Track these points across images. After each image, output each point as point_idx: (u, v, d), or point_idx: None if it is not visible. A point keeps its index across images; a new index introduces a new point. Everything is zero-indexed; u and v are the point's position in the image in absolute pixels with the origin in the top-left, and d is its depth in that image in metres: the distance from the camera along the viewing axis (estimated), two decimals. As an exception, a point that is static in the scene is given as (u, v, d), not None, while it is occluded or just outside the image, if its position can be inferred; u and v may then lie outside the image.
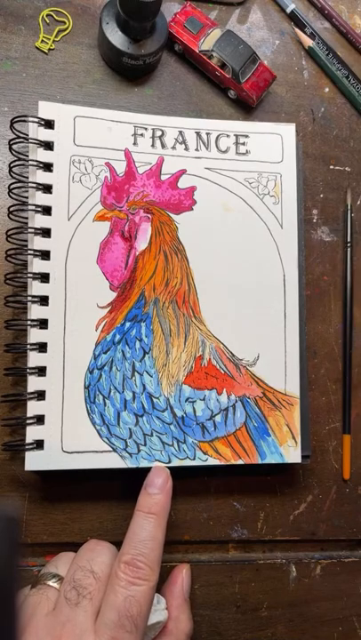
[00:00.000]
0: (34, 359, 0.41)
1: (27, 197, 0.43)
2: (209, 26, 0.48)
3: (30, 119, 0.43)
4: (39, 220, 0.42)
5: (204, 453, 0.43)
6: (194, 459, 0.43)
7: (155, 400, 0.43)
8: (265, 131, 0.48)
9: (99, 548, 0.38)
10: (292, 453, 0.44)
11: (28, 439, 0.40)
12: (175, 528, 0.45)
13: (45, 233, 0.42)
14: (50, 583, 0.36)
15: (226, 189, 0.46)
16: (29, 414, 0.41)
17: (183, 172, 0.46)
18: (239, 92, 0.49)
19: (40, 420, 0.41)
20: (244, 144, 0.47)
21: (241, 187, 0.47)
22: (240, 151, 0.47)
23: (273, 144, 0.48)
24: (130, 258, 0.44)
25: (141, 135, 0.45)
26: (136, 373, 0.43)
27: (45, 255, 0.42)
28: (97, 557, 0.36)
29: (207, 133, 0.47)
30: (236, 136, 0.47)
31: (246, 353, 0.45)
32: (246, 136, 0.47)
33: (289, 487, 0.47)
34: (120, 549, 0.36)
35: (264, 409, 0.45)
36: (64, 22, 0.48)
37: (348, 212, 0.51)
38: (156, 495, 0.38)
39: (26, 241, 0.42)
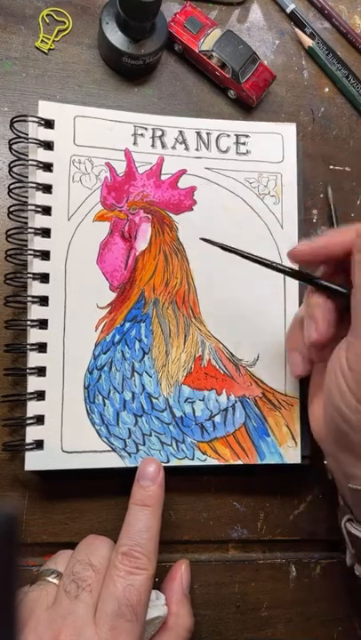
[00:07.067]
0: (34, 359, 0.41)
1: (27, 197, 0.43)
2: (209, 26, 0.48)
3: (30, 119, 0.43)
4: (39, 221, 0.42)
5: (203, 453, 0.43)
6: (192, 459, 0.43)
7: (154, 400, 0.43)
8: (265, 130, 0.48)
9: (97, 542, 0.38)
10: (291, 454, 0.44)
11: (28, 439, 0.40)
12: (175, 528, 0.45)
13: (45, 233, 0.42)
14: (49, 579, 0.36)
15: (226, 189, 0.46)
16: (29, 414, 0.41)
17: (183, 171, 0.46)
18: (239, 91, 0.49)
19: (40, 420, 0.41)
20: (244, 144, 0.47)
21: (241, 187, 0.47)
22: (240, 151, 0.47)
23: (273, 144, 0.48)
24: (130, 258, 0.44)
25: (141, 135, 0.45)
26: (135, 374, 0.43)
27: (45, 255, 0.42)
28: (95, 551, 0.37)
29: (207, 133, 0.47)
30: (237, 136, 0.47)
31: (246, 353, 0.45)
32: (247, 136, 0.47)
33: (289, 487, 0.47)
34: (117, 542, 0.36)
35: (264, 409, 0.44)
36: (64, 22, 0.48)
37: (333, 212, 0.50)
38: (149, 487, 0.38)
39: (26, 241, 0.42)
